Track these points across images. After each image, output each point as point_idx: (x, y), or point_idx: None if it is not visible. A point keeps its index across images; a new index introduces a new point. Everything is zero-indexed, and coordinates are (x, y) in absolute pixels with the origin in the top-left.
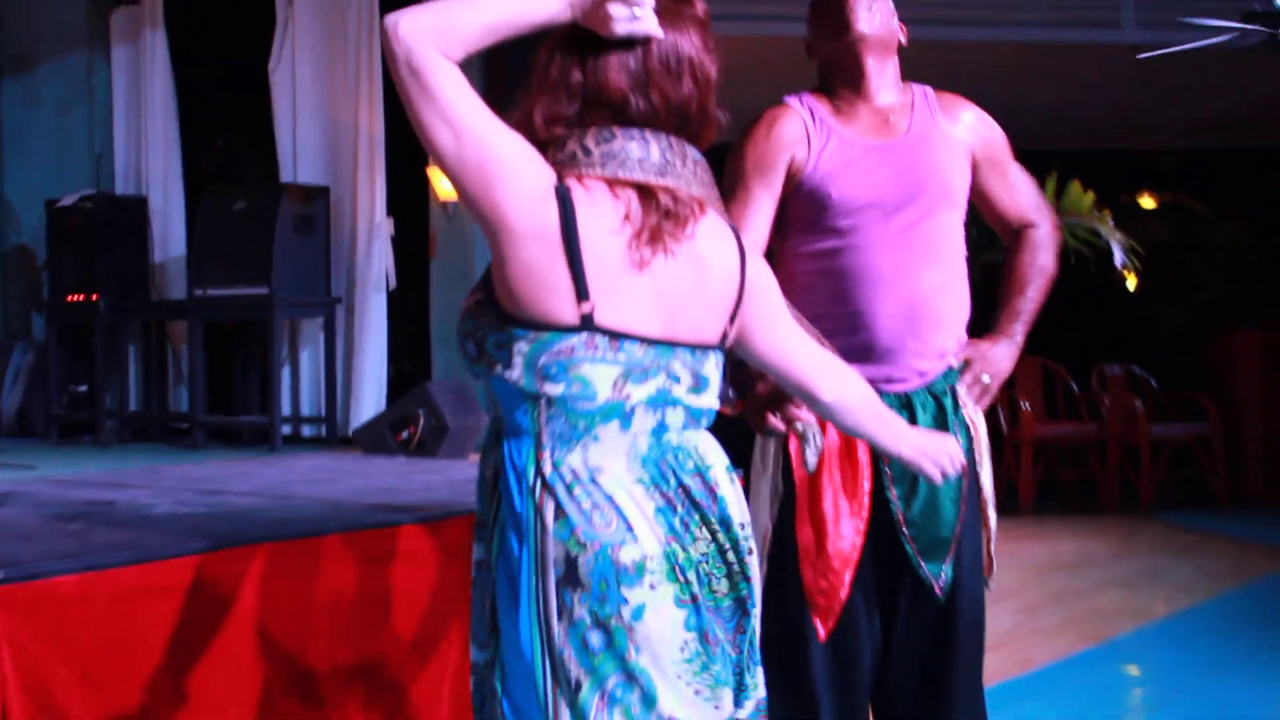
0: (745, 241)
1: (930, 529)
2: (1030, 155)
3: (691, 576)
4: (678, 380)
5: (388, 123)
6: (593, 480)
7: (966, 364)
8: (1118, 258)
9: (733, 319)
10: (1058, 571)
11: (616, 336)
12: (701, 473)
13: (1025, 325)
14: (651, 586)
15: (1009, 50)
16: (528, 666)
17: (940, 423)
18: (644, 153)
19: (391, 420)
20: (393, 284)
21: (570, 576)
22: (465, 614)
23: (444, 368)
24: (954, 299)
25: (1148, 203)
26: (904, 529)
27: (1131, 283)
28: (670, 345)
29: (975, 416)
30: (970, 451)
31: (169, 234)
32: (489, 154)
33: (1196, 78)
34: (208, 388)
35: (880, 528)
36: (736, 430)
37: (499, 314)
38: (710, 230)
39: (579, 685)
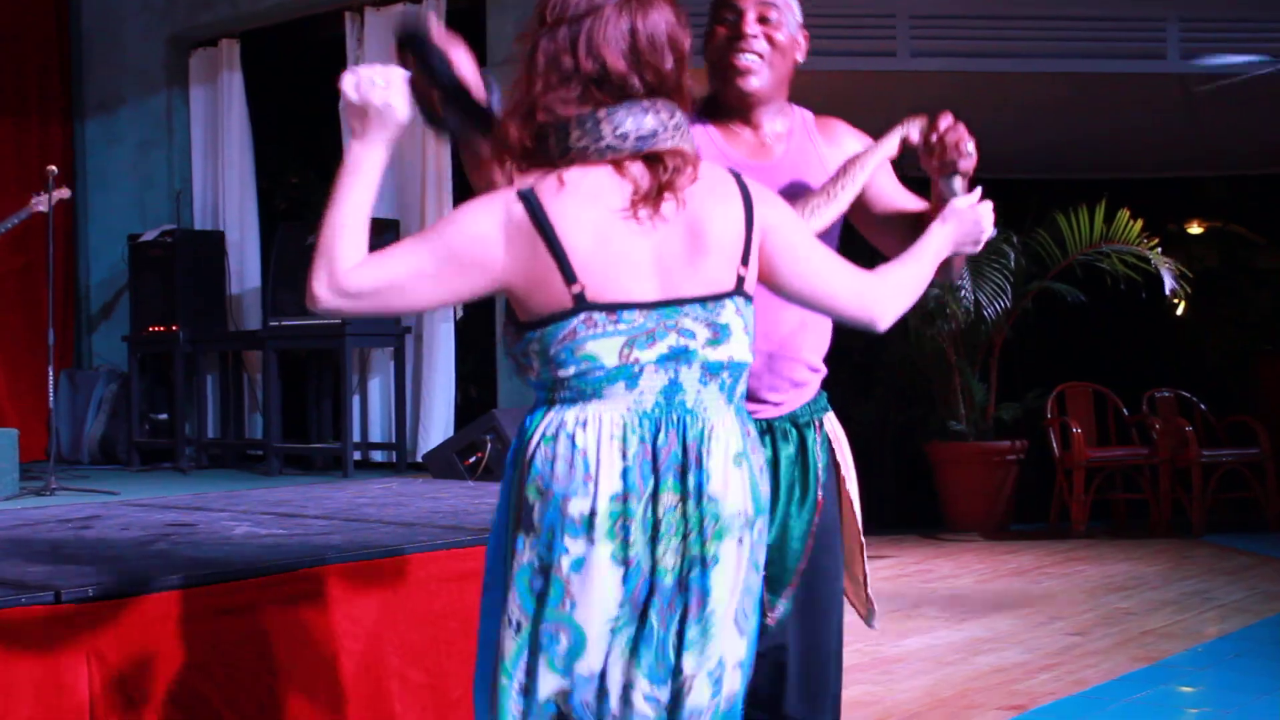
0: (751, 184)
1: (778, 561)
2: (1078, 184)
3: (636, 538)
4: (692, 335)
5: (454, 159)
6: (571, 434)
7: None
8: (1168, 284)
9: (745, 261)
10: (1110, 593)
11: (613, 309)
12: (698, 443)
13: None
14: (591, 541)
15: (1055, 81)
16: (490, 606)
17: (802, 453)
18: (665, 123)
19: (459, 446)
20: (460, 314)
21: (527, 522)
22: None
23: (509, 395)
24: (814, 334)
25: (1196, 230)
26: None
27: (1181, 308)
28: (675, 304)
29: (843, 454)
30: (836, 493)
31: (245, 267)
32: (454, 258)
33: (1243, 105)
34: (282, 415)
35: None
36: None
37: (516, 325)
38: (710, 179)
39: (519, 627)
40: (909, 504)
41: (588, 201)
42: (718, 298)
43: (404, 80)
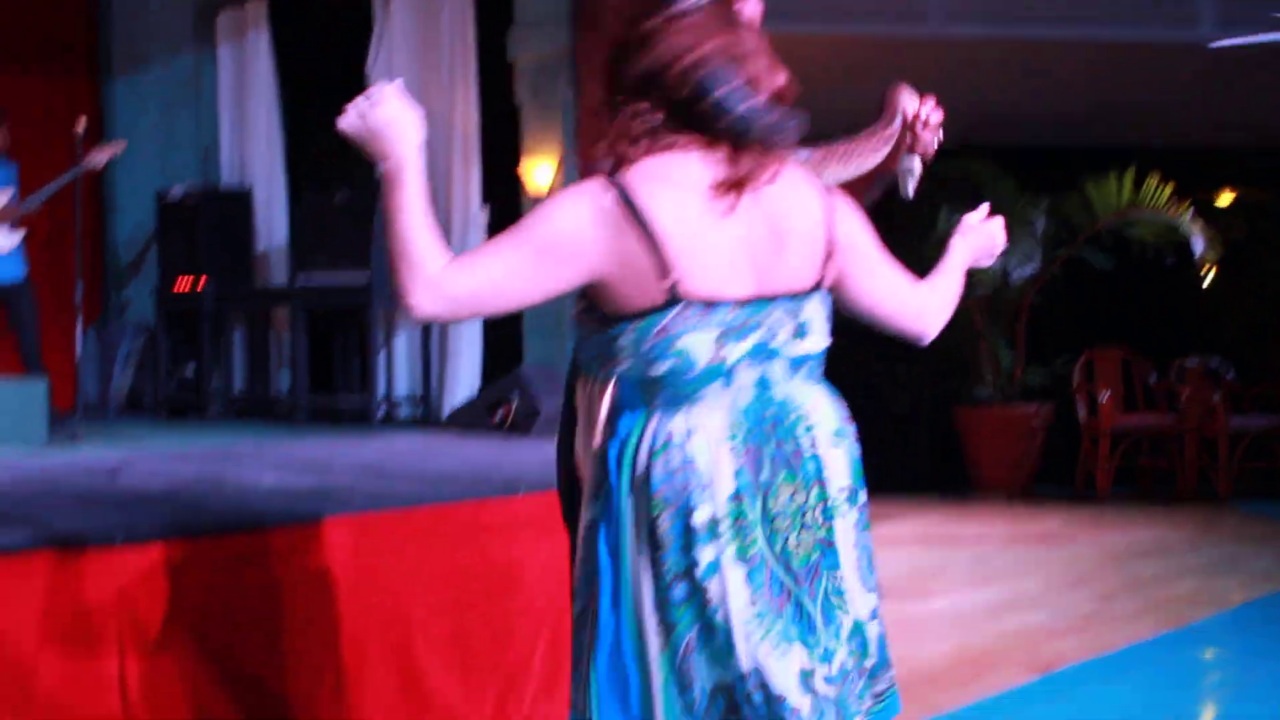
0: (834, 194)
1: None
2: (1108, 151)
3: (758, 534)
4: (775, 333)
5: (482, 117)
6: (683, 444)
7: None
8: (1197, 249)
9: (824, 267)
10: (1136, 559)
11: (708, 304)
12: (795, 433)
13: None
14: (720, 545)
15: (1087, 48)
16: (619, 621)
17: None
18: (784, 123)
19: (486, 402)
20: None
21: (653, 537)
22: (558, 585)
23: (535, 352)
24: None
25: (1224, 199)
26: None
27: (1209, 276)
28: (764, 301)
29: None
30: None
31: (272, 224)
32: (547, 253)
33: (1274, 74)
34: (309, 370)
35: None
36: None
37: (601, 317)
38: (793, 182)
39: (669, 631)
40: (937, 467)
41: (678, 187)
42: (801, 295)
43: (395, 90)
